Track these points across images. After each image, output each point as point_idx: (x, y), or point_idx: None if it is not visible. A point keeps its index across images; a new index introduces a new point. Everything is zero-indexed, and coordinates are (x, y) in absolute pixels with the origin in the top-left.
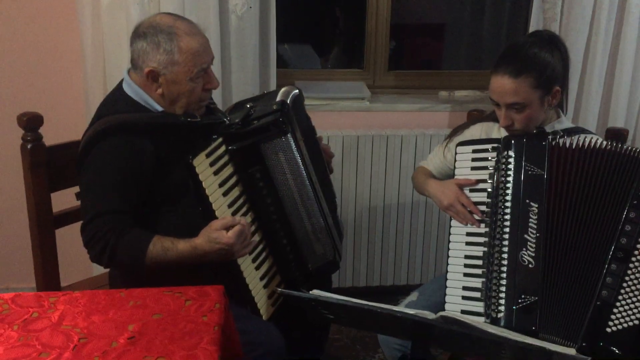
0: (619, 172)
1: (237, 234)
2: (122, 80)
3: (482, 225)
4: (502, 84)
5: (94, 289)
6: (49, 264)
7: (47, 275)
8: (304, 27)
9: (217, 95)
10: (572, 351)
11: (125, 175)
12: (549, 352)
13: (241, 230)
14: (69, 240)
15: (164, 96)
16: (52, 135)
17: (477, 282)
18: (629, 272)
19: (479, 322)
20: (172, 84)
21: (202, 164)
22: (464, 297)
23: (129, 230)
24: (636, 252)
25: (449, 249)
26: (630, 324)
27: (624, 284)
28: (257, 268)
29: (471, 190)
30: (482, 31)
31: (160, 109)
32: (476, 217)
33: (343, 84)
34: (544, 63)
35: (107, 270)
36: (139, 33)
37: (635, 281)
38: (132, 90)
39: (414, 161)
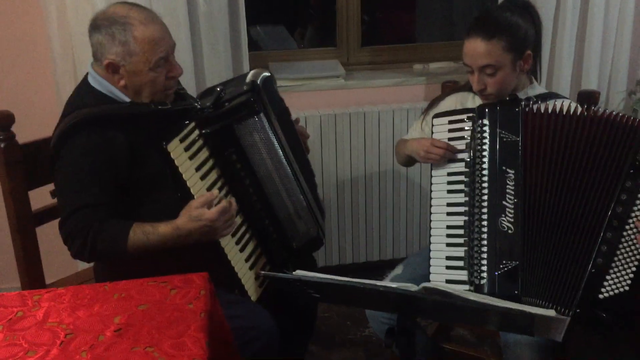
0: (608, 139)
1: (220, 210)
2: (87, 73)
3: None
4: (475, 47)
5: (79, 285)
6: (32, 263)
7: (31, 274)
8: (275, 8)
9: (190, 82)
10: (551, 312)
11: (100, 169)
12: (529, 315)
13: (224, 208)
14: (52, 237)
15: (127, 87)
16: (25, 133)
17: (460, 251)
18: (623, 239)
19: (461, 290)
20: (133, 74)
21: (176, 149)
22: (447, 267)
23: (107, 221)
24: (630, 221)
25: (430, 220)
26: (622, 289)
27: (618, 252)
28: (241, 250)
29: (449, 161)
30: (453, 2)
31: (127, 99)
32: (457, 148)
33: (317, 63)
34: (516, 26)
35: (90, 265)
36: (94, 25)
37: (628, 248)
38: (98, 82)
39: (393, 136)
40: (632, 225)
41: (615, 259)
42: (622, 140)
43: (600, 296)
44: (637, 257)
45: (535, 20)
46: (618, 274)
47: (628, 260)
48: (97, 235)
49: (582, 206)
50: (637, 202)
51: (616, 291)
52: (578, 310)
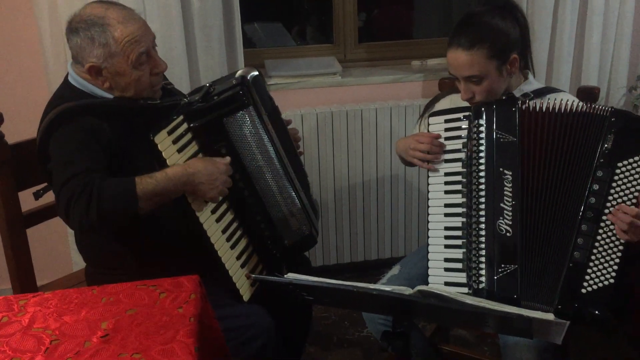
0: (585, 131)
1: (227, 166)
2: (67, 74)
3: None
4: (457, 58)
5: (71, 287)
6: (23, 265)
7: (22, 276)
8: (272, 5)
9: (184, 80)
10: (550, 316)
11: (92, 143)
12: (527, 318)
13: (227, 169)
14: (43, 238)
15: (113, 88)
16: (14, 133)
17: (458, 253)
18: (600, 231)
19: (458, 294)
20: (117, 75)
21: (164, 141)
22: (446, 269)
23: (108, 178)
24: (606, 211)
25: (428, 221)
26: (606, 282)
27: (596, 244)
28: (232, 247)
29: (446, 161)
30: None
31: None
32: (443, 142)
33: (314, 60)
34: (497, 32)
35: (84, 266)
36: (72, 28)
37: (607, 240)
38: (79, 83)
39: (390, 133)
40: (608, 216)
41: (595, 251)
42: (592, 131)
43: (583, 290)
44: (619, 247)
45: (519, 19)
46: (600, 267)
47: (609, 252)
48: (102, 189)
49: (566, 202)
50: (612, 191)
51: (600, 285)
52: (560, 307)
